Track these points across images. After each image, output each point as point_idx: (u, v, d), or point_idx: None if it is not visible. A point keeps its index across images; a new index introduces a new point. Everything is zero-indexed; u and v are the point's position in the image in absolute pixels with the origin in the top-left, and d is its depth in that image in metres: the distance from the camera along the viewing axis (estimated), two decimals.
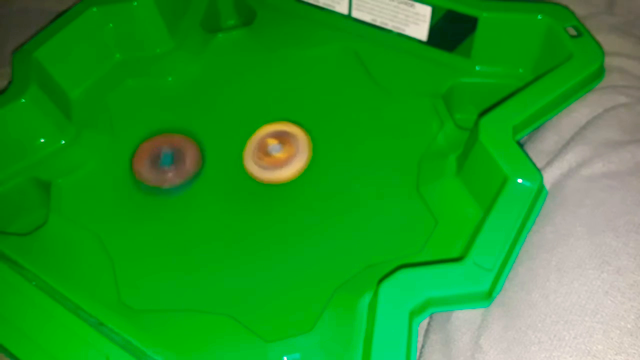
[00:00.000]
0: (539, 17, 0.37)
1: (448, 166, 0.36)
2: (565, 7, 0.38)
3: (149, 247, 0.35)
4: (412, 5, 0.40)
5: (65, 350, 0.27)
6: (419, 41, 0.42)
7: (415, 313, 0.27)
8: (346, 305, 0.31)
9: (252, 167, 0.37)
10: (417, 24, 0.41)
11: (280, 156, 0.37)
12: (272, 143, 0.38)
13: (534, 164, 0.31)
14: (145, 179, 0.37)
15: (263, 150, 0.37)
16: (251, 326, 0.31)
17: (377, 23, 0.43)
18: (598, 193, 0.30)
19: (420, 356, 0.31)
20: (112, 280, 0.33)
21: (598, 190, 0.31)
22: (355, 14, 0.43)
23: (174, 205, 0.37)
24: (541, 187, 0.31)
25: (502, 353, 0.27)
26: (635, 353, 0.25)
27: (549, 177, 0.33)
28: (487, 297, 0.28)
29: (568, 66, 0.35)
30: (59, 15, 0.42)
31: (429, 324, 0.33)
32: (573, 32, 0.37)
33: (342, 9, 0.44)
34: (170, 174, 0.37)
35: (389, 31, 0.43)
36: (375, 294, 0.28)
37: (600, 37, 0.37)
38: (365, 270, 0.33)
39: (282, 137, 0.38)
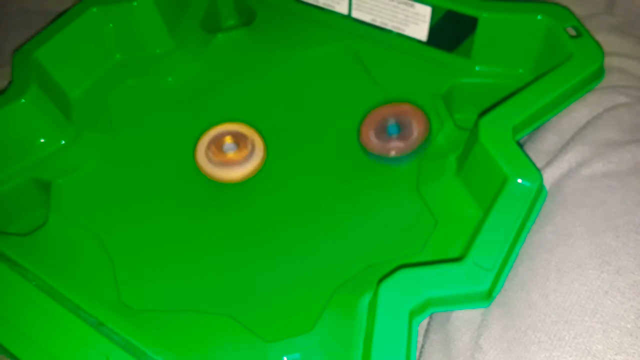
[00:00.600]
0: (539, 17, 0.37)
1: (448, 166, 0.36)
2: (565, 7, 0.38)
3: (149, 247, 0.35)
4: (412, 6, 0.40)
5: (65, 351, 0.27)
6: (419, 41, 0.42)
7: (415, 313, 0.27)
8: (346, 305, 0.31)
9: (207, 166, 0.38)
10: (417, 24, 0.41)
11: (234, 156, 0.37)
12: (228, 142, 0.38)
13: (534, 164, 0.31)
14: None
15: (219, 148, 0.38)
16: (251, 326, 0.31)
17: (377, 23, 0.43)
18: (598, 193, 0.30)
19: (420, 356, 0.31)
20: (112, 280, 0.33)
21: (598, 190, 0.31)
22: (355, 14, 0.43)
23: (176, 205, 0.37)
24: (541, 187, 0.31)
25: (502, 353, 0.27)
26: (635, 353, 0.25)
27: (549, 177, 0.33)
28: (487, 297, 0.28)
29: (568, 66, 0.35)
30: (59, 15, 0.42)
31: (429, 324, 0.33)
32: (573, 32, 0.37)
33: (342, 9, 0.44)
34: None
35: (389, 31, 0.43)
36: (375, 294, 0.28)
37: (600, 37, 0.37)
38: (365, 270, 0.33)
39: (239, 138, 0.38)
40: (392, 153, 0.36)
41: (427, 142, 0.37)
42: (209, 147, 0.38)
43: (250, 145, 0.38)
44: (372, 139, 0.37)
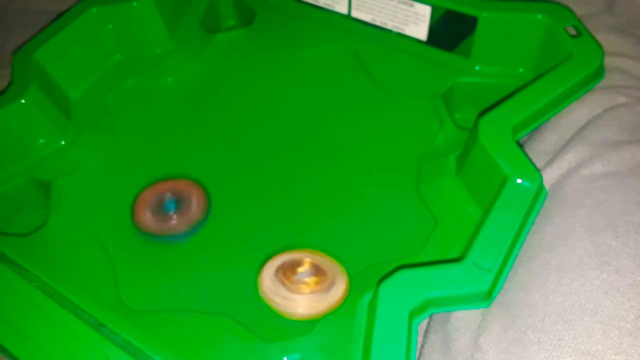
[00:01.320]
0: (539, 16, 0.37)
1: (448, 166, 0.36)
2: (565, 7, 0.38)
3: (149, 247, 0.35)
4: (411, 5, 0.40)
5: (66, 351, 0.27)
6: (419, 41, 0.42)
7: (415, 313, 0.27)
8: (346, 305, 0.31)
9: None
10: (417, 24, 0.41)
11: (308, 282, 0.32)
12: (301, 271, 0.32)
13: (534, 164, 0.31)
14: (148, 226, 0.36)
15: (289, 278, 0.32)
16: (251, 327, 0.31)
17: (377, 23, 0.43)
18: (598, 193, 0.30)
19: (419, 356, 0.31)
20: (112, 281, 0.33)
21: (598, 190, 0.31)
22: (355, 13, 0.43)
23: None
24: (541, 187, 0.31)
25: (502, 353, 0.27)
26: (634, 353, 0.25)
27: (549, 177, 0.33)
28: (487, 297, 0.28)
29: (568, 66, 0.35)
30: (59, 15, 0.42)
31: (428, 324, 0.33)
32: (573, 31, 0.37)
33: (342, 8, 0.44)
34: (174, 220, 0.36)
35: (389, 31, 0.43)
36: (375, 294, 0.28)
37: (600, 37, 0.37)
38: (365, 271, 0.33)
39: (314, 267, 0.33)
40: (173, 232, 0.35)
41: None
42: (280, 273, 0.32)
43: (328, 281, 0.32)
44: (148, 218, 0.35)
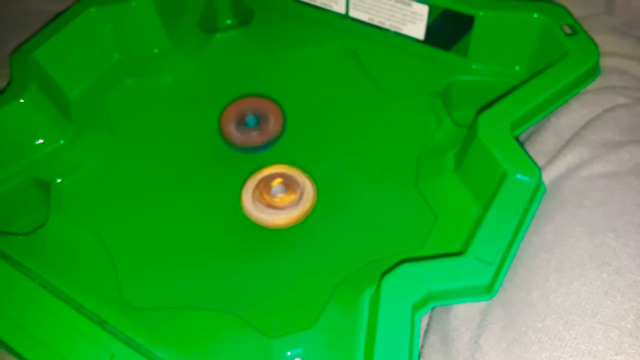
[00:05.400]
0: (535, 15, 0.38)
1: (446, 163, 0.36)
2: (561, 6, 0.38)
3: (150, 245, 0.35)
4: (409, 4, 0.40)
5: (71, 349, 0.27)
6: (416, 40, 0.42)
7: (417, 306, 0.27)
8: (348, 300, 0.31)
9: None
10: (414, 23, 0.41)
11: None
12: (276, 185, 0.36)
13: (533, 160, 0.31)
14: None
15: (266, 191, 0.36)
16: (254, 323, 0.31)
17: (375, 22, 0.43)
18: (597, 193, 0.31)
19: (419, 356, 0.31)
20: (113, 279, 0.33)
21: (597, 190, 0.31)
22: (353, 13, 0.44)
23: (175, 202, 0.37)
24: (540, 182, 0.31)
25: (502, 353, 0.27)
26: (635, 353, 0.25)
27: (549, 177, 0.33)
28: (489, 290, 0.28)
29: (564, 63, 0.35)
30: (58, 15, 0.42)
31: (428, 324, 0.33)
32: (568, 30, 0.37)
33: (340, 8, 0.44)
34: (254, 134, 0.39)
35: (387, 30, 0.43)
36: (378, 288, 0.28)
37: (599, 38, 0.37)
38: (367, 266, 0.33)
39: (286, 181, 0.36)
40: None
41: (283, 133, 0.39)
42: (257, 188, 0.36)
43: (299, 192, 0.35)
44: (232, 132, 0.39)
